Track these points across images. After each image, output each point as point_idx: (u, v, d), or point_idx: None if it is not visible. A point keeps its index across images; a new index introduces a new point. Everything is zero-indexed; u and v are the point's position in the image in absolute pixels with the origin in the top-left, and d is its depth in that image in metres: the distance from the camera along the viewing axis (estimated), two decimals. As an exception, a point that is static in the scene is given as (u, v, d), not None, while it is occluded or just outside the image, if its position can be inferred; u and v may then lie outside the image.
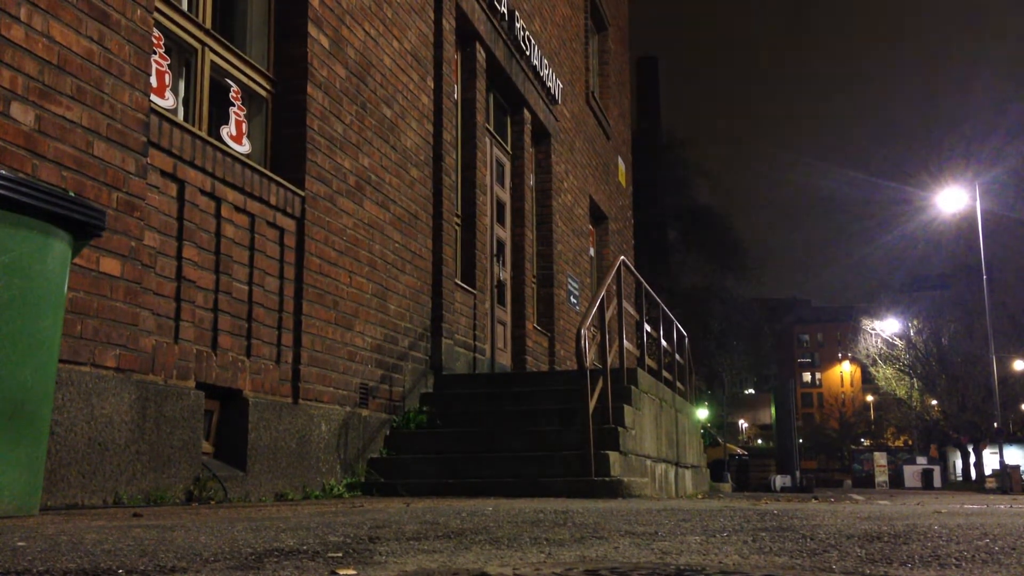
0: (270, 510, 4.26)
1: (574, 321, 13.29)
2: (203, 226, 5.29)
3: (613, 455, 6.70)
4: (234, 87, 6.13)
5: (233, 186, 5.54)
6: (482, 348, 9.81)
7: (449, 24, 9.09)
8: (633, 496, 6.42)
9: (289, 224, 6.15)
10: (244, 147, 6.14)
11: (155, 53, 5.21)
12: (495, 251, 10.78)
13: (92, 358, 4.32)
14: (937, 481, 42.79)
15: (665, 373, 10.67)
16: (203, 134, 5.41)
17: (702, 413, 33.80)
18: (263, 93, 6.36)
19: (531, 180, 12.26)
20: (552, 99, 12.62)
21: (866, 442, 72.85)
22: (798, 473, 32.13)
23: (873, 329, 49.76)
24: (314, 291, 6.33)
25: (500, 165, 11.27)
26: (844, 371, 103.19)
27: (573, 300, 13.54)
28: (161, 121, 4.94)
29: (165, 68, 5.40)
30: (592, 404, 6.71)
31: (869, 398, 77.36)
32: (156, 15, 5.21)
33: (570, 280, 13.42)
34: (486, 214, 10.35)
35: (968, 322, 42.17)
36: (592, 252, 15.54)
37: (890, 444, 66.30)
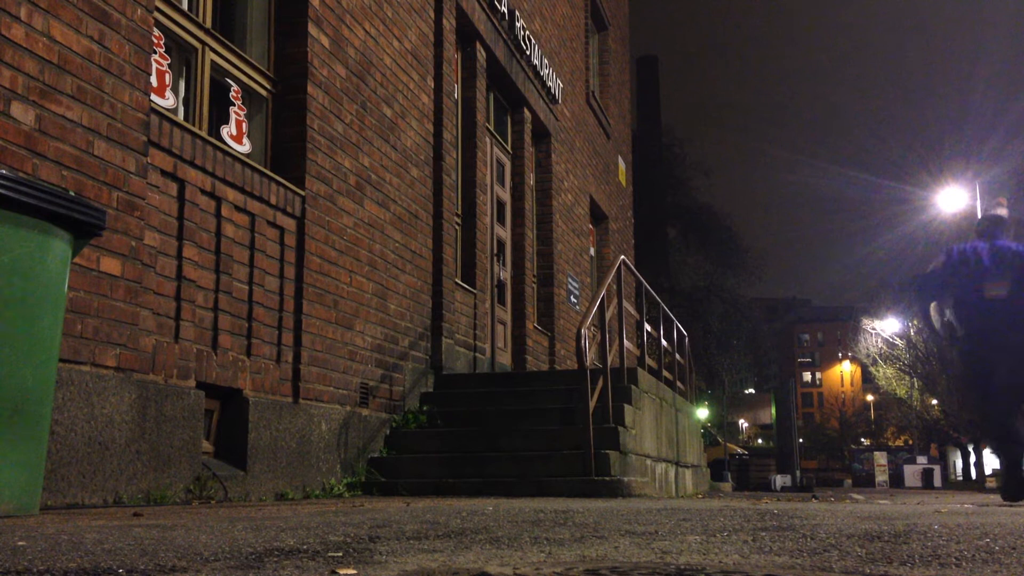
0: (270, 509, 4.26)
1: (574, 321, 13.29)
2: (203, 225, 5.29)
3: (613, 454, 6.70)
4: (234, 86, 6.13)
5: (233, 185, 5.54)
6: (482, 348, 9.81)
7: (449, 24, 9.09)
8: (633, 495, 6.42)
9: (289, 223, 6.15)
10: (244, 146, 6.14)
11: (155, 52, 5.21)
12: (495, 251, 10.78)
13: (92, 357, 4.32)
14: (937, 481, 42.78)
15: (665, 372, 10.67)
16: (203, 133, 5.41)
17: (702, 413, 33.81)
18: (263, 92, 6.36)
19: (531, 179, 12.25)
20: (552, 98, 12.62)
21: (866, 442, 72.82)
22: (798, 472, 32.16)
23: (873, 329, 49.74)
24: (314, 291, 6.33)
25: (500, 164, 11.27)
26: (844, 371, 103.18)
27: (573, 300, 13.54)
28: (161, 120, 4.94)
29: (165, 67, 5.40)
30: (592, 403, 6.71)
31: (869, 398, 77.33)
32: (156, 14, 5.21)
33: (570, 280, 13.42)
34: (486, 213, 10.34)
35: (968, 322, 42.08)
36: (592, 252, 15.54)
37: (890, 444, 66.27)
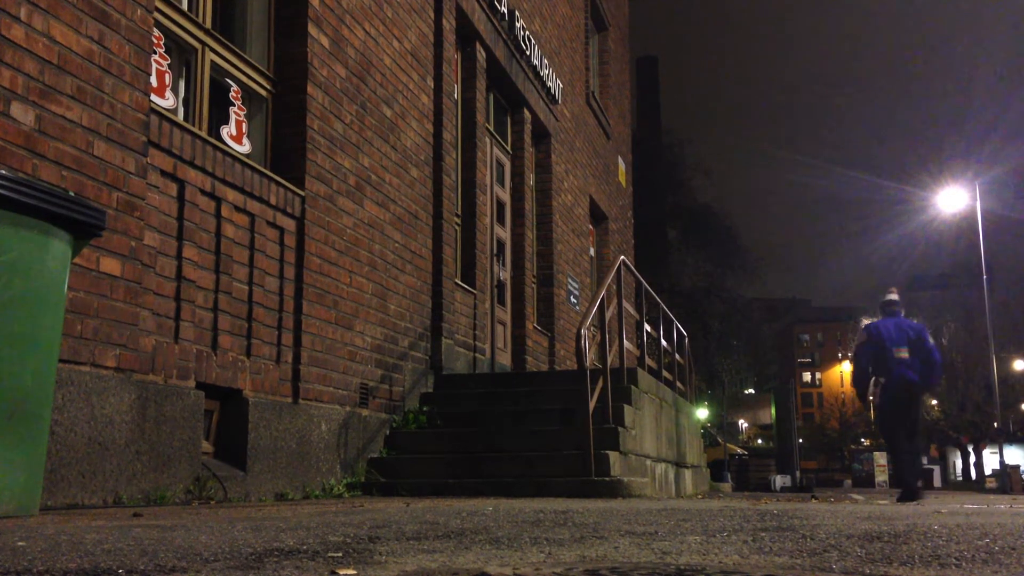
0: (270, 510, 4.26)
1: (574, 321, 13.29)
2: (203, 226, 5.29)
3: (613, 455, 6.70)
4: (234, 87, 6.13)
5: (233, 186, 5.54)
6: (482, 348, 9.81)
7: (449, 24, 9.09)
8: (633, 496, 6.42)
9: (289, 224, 6.15)
10: (244, 147, 6.14)
11: (155, 53, 5.21)
12: (495, 251, 10.78)
13: (92, 358, 4.32)
14: (937, 481, 42.80)
15: (665, 373, 10.67)
16: (203, 134, 5.41)
17: (702, 413, 33.78)
18: (263, 93, 6.36)
19: (531, 180, 12.25)
20: (552, 99, 12.62)
21: (866, 442, 72.72)
22: (798, 473, 32.16)
23: (873, 329, 49.70)
24: (314, 291, 6.33)
25: (500, 165, 11.27)
26: (844, 371, 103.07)
27: (573, 300, 13.54)
28: (161, 121, 4.94)
29: (165, 68, 5.40)
30: (592, 404, 6.70)
31: (869, 397, 77.21)
32: (156, 15, 5.21)
33: (570, 280, 13.42)
34: (486, 214, 10.35)
35: (968, 322, 42.22)
36: (592, 252, 15.54)
37: (890, 444, 66.16)
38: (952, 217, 34.30)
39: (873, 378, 9.33)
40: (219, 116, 6.00)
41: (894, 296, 9.78)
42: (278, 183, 6.01)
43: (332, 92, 6.74)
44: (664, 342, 10.86)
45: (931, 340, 9.59)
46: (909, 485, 8.78)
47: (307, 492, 6.08)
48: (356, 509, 4.35)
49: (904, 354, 9.20)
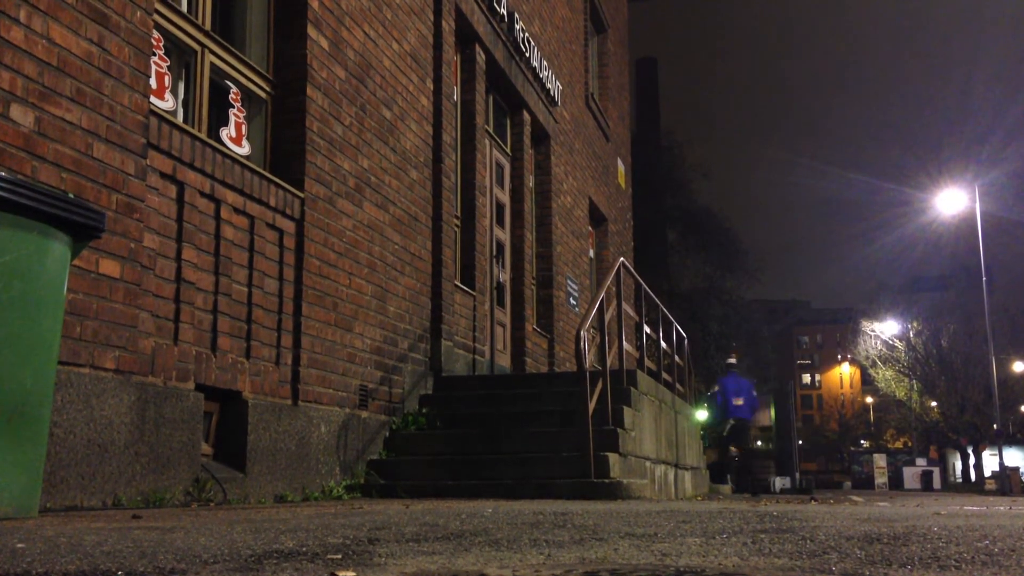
0: (269, 512, 4.26)
1: (574, 323, 13.29)
2: (202, 228, 5.29)
3: (613, 456, 6.69)
4: (234, 89, 6.13)
5: (232, 188, 5.54)
6: (481, 350, 9.81)
7: (448, 26, 9.09)
8: (633, 498, 6.42)
9: (288, 226, 6.15)
10: (243, 149, 6.14)
11: (155, 55, 5.21)
12: (494, 253, 10.78)
13: (91, 360, 4.32)
14: (936, 483, 42.74)
15: (664, 374, 10.66)
16: (203, 136, 5.41)
17: (701, 415, 33.75)
18: (262, 95, 6.36)
19: (530, 182, 12.26)
20: (551, 101, 12.62)
21: (866, 444, 72.77)
22: (798, 475, 32.15)
23: (872, 331, 49.74)
24: (313, 293, 6.33)
25: (499, 167, 11.27)
26: (844, 373, 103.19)
27: (572, 302, 13.54)
28: (160, 123, 4.94)
29: (165, 70, 5.40)
30: (592, 405, 6.70)
31: (869, 400, 77.30)
32: (156, 17, 5.21)
33: (569, 282, 13.42)
34: (485, 216, 10.35)
35: (968, 323, 42.21)
36: (592, 254, 15.54)
37: (889, 446, 66.23)
38: (951, 219, 34.31)
39: (730, 419, 14.22)
40: (218, 118, 6.00)
41: (733, 360, 15.10)
42: (277, 185, 6.01)
43: (331, 94, 6.74)
44: (663, 344, 10.86)
45: (755, 392, 15.11)
46: (744, 487, 13.61)
47: (306, 494, 6.08)
48: (355, 511, 4.35)
49: (740, 401, 14.18)
